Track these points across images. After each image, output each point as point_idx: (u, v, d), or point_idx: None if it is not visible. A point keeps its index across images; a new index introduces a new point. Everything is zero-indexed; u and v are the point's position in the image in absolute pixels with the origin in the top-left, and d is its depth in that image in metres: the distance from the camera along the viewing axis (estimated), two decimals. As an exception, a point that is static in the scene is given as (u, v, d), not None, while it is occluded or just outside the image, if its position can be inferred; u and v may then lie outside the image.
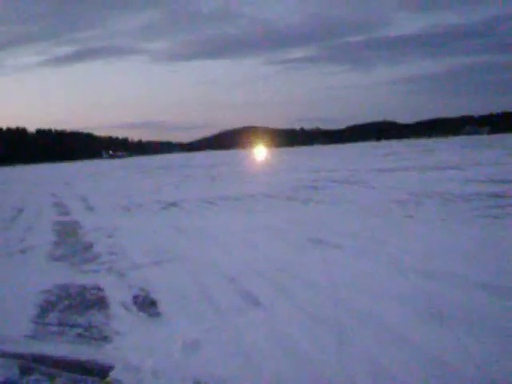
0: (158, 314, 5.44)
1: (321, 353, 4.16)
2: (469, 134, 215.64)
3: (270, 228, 10.26)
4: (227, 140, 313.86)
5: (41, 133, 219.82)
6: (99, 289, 6.63)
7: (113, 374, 4.03)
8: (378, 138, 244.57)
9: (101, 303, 6.02)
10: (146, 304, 5.85)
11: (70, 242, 10.55)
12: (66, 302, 6.13)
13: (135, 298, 6.12)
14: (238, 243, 8.94)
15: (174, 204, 16.06)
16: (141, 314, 5.51)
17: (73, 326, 5.27)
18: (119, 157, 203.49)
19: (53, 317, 5.61)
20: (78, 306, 5.97)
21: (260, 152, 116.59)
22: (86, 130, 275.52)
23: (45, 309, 5.92)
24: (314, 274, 6.54)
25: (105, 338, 4.84)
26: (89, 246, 9.76)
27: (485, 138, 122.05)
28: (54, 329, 5.22)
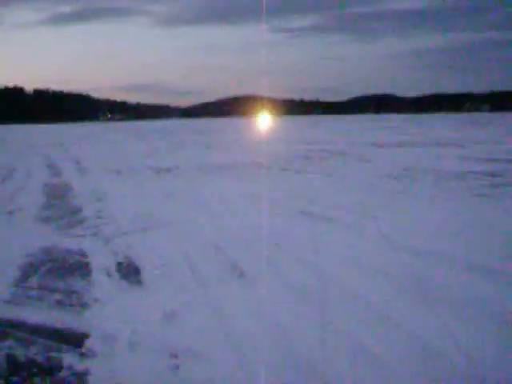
0: (139, 283, 5.34)
1: (302, 330, 4.07)
2: (470, 110, 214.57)
3: (262, 198, 10.15)
4: (226, 107, 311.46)
5: (38, 93, 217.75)
6: (83, 254, 6.52)
7: (88, 343, 3.93)
8: (378, 111, 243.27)
9: (83, 269, 5.91)
10: (129, 272, 5.74)
11: (59, 204, 10.41)
12: (49, 266, 6.02)
13: (118, 264, 6.01)
14: (227, 212, 8.83)
15: (166, 170, 15.90)
16: (122, 281, 5.41)
17: (52, 291, 5.16)
18: (117, 120, 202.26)
19: (33, 281, 5.50)
20: (59, 270, 5.86)
21: (258, 121, 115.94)
22: (84, 92, 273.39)
23: (26, 272, 5.80)
24: (301, 247, 6.44)
25: (83, 305, 4.74)
26: (77, 210, 9.64)
27: (485, 115, 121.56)
28: (34, 293, 5.11)
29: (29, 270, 5.88)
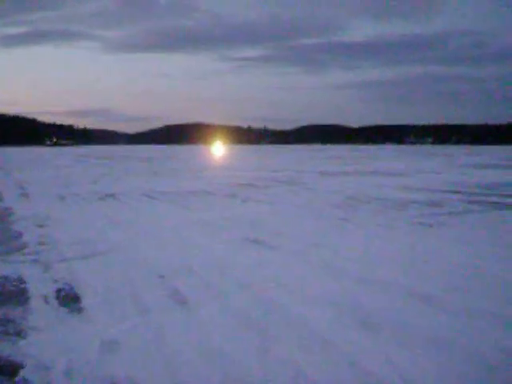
0: (79, 310, 5.22)
1: (243, 357, 4.06)
2: (413, 143, 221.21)
3: (207, 225, 10.14)
4: (174, 134, 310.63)
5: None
6: (22, 281, 6.33)
7: (22, 373, 3.81)
8: (324, 141, 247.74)
9: (21, 296, 5.73)
10: (69, 299, 5.60)
11: (-2, 229, 10.11)
12: (-16, 294, 5.82)
13: (58, 291, 5.87)
14: (172, 239, 8.78)
15: (111, 195, 15.69)
16: (62, 309, 5.28)
17: (-13, 319, 4.99)
18: (63, 145, 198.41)
19: (-33, 309, 5.30)
20: (-4, 298, 5.67)
21: (206, 149, 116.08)
22: (29, 115, 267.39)
23: (-40, 300, 5.59)
24: (245, 274, 6.46)
25: (19, 334, 4.59)
26: (17, 235, 9.37)
27: (428, 147, 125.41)
28: (-33, 322, 4.93)
29: (-38, 298, 5.67)
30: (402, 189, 17.35)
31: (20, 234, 9.46)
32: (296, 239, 8.66)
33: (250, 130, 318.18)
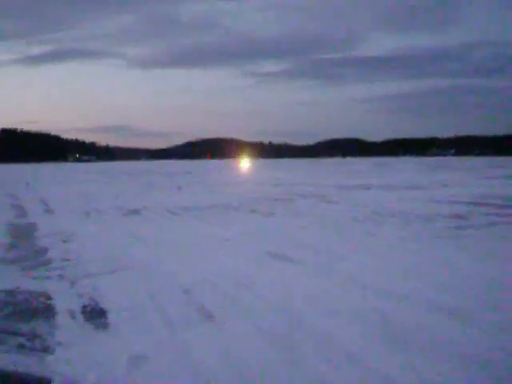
0: (105, 325, 5.23)
1: (271, 372, 4.02)
2: (435, 155, 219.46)
3: (230, 240, 10.12)
4: (196, 150, 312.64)
5: (6, 132, 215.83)
6: (47, 296, 6.37)
7: (50, 389, 3.82)
8: (345, 155, 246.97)
9: (47, 312, 5.77)
10: (95, 314, 5.62)
11: (24, 245, 10.21)
12: (11, 309, 5.87)
13: (84, 307, 5.89)
14: (195, 254, 8.77)
15: (135, 211, 15.78)
16: (88, 324, 5.29)
17: (15, 334, 5.02)
18: (85, 161, 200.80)
19: (-5, 324, 5.34)
20: (23, 313, 5.71)
21: (228, 163, 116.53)
22: (53, 132, 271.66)
23: (-13, 315, 5.64)
24: (270, 289, 6.42)
25: (46, 349, 4.61)
26: (43, 251, 9.45)
27: (451, 159, 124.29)
28: (-5, 337, 4.96)
29: (-10, 313, 5.71)
30: (425, 202, 17.17)
31: (45, 250, 9.54)
32: (320, 253, 8.59)
33: (271, 144, 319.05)
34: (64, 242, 10.39)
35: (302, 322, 5.13)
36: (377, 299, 5.87)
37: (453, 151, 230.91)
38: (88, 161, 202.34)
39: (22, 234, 11.83)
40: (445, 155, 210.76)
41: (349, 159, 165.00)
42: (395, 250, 8.80)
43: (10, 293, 6.54)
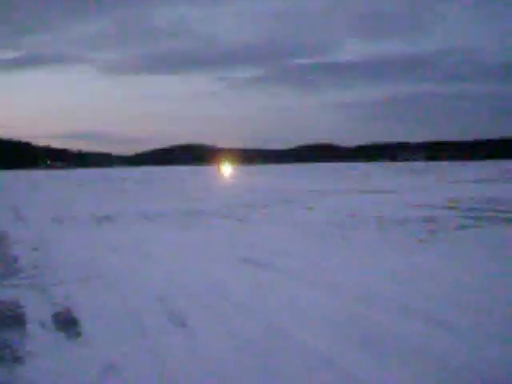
0: (78, 334, 5.13)
1: (243, 379, 3.99)
2: (406, 160, 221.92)
3: (204, 246, 10.07)
4: (170, 156, 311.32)
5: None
6: (18, 305, 6.24)
7: (20, 400, 3.72)
8: (319, 160, 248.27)
9: (18, 321, 5.65)
10: (67, 323, 5.52)
11: (-7, 254, 10.01)
12: (-20, 319, 5.72)
13: (55, 315, 5.78)
14: (169, 260, 8.70)
15: (106, 218, 15.60)
16: (59, 333, 5.19)
17: (-17, 345, 4.89)
18: (57, 167, 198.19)
19: (-38, 335, 5.20)
20: (-8, 323, 5.58)
21: (201, 169, 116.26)
22: (24, 139, 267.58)
23: (-45, 326, 5.49)
24: (244, 295, 6.38)
25: (17, 360, 4.50)
26: (13, 259, 9.27)
27: (421, 164, 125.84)
28: (-38, 348, 4.83)
29: (-42, 324, 5.57)
30: (398, 206, 17.33)
31: (16, 258, 9.36)
32: (295, 259, 8.59)
33: (246, 150, 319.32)
34: (34, 249, 10.22)
35: (275, 328, 5.10)
36: (352, 305, 5.88)
37: (423, 156, 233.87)
38: (60, 168, 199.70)
39: (-8, 242, 11.60)
40: (415, 160, 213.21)
41: (323, 164, 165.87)
42: (371, 255, 8.83)
43: (-21, 302, 6.39)
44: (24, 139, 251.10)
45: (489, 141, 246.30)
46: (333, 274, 7.35)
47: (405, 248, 9.41)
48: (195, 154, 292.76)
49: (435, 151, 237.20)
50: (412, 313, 5.48)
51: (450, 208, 16.26)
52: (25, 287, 7.13)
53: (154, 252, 9.55)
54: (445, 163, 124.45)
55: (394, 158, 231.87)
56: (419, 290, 6.40)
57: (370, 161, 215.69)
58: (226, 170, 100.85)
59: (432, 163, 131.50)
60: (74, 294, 6.64)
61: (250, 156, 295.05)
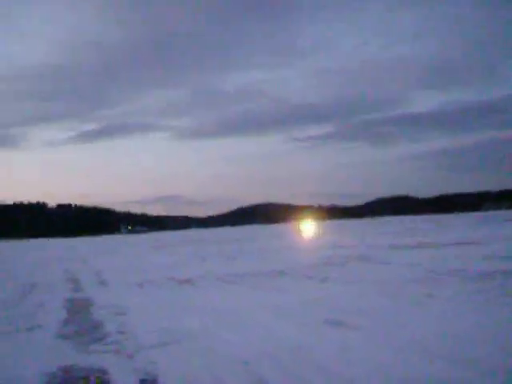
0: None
1: None
2: (489, 209, 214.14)
3: (285, 308, 9.93)
4: (245, 216, 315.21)
5: (61, 207, 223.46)
6: (104, 371, 6.33)
7: None
8: (395, 213, 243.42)
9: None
10: (153, 390, 5.52)
11: (79, 320, 10.29)
12: (69, 387, 5.83)
13: (142, 382, 5.81)
14: (251, 324, 8.61)
15: (187, 281, 15.79)
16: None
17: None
18: (137, 232, 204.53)
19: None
20: (80, 390, 5.67)
21: (277, 228, 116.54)
22: (105, 205, 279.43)
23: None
24: (330, 359, 6.19)
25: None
26: (98, 325, 9.49)
27: (505, 213, 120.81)
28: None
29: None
30: (483, 258, 16.57)
31: (100, 323, 9.58)
32: (380, 319, 8.30)
33: (319, 207, 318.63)
34: (118, 314, 10.43)
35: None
36: (446, 367, 5.56)
37: (507, 204, 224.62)
38: (140, 232, 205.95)
39: (78, 308, 11.96)
40: (499, 209, 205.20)
41: (399, 217, 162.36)
42: (459, 312, 8.41)
43: (68, 369, 6.53)
44: (106, 205, 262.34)
45: None
46: (421, 335, 7.02)
47: (496, 305, 8.90)
48: (271, 213, 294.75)
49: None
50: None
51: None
52: (111, 353, 7.24)
53: (234, 315, 9.51)
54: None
55: (475, 209, 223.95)
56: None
57: (449, 212, 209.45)
58: (301, 227, 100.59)
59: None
60: (159, 359, 6.68)
61: (325, 212, 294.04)
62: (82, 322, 10.05)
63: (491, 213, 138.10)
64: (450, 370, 5.42)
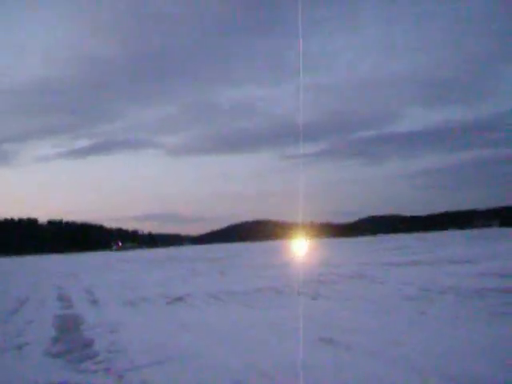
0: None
1: None
2: (480, 226, 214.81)
3: (277, 325, 9.87)
4: (237, 233, 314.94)
5: (52, 223, 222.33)
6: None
7: None
8: (387, 232, 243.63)
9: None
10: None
11: (70, 337, 10.16)
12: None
13: (132, 402, 5.73)
14: (244, 341, 8.54)
15: (179, 299, 15.67)
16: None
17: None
18: (128, 248, 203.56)
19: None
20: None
21: (269, 245, 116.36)
22: (96, 222, 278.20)
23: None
24: (323, 378, 6.15)
25: None
26: (89, 343, 9.38)
27: (495, 230, 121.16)
28: None
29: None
30: (474, 276, 16.58)
31: (91, 341, 9.46)
32: (373, 337, 8.25)
33: (312, 224, 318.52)
34: (110, 332, 10.33)
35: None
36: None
37: (498, 222, 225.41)
38: (131, 248, 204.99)
39: (68, 326, 11.83)
40: (489, 226, 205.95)
41: (391, 236, 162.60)
42: (453, 330, 8.39)
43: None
44: (97, 222, 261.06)
45: None
46: (415, 353, 6.98)
47: (489, 323, 8.89)
48: (264, 230, 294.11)
49: (510, 216, 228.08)
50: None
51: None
52: (101, 372, 7.15)
53: (227, 332, 9.44)
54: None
55: (465, 227, 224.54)
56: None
57: (440, 230, 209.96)
58: (292, 244, 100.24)
59: (508, 229, 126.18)
60: (151, 379, 6.59)
61: (317, 229, 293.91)
62: (71, 340, 9.92)
63: (483, 230, 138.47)
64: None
